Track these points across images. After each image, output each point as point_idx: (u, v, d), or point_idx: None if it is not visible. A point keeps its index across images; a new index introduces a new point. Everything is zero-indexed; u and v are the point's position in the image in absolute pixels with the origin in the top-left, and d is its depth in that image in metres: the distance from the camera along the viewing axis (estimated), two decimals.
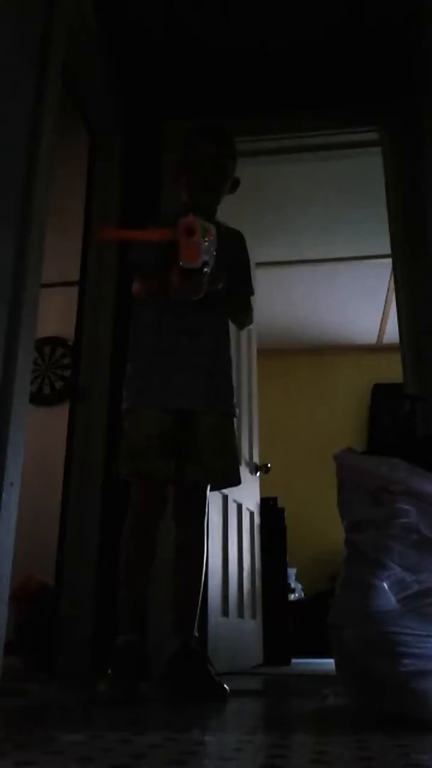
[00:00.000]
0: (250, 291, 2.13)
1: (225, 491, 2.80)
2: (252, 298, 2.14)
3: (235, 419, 1.97)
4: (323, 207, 4.27)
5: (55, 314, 3.49)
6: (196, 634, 1.87)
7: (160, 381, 1.86)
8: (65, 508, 2.73)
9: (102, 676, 1.65)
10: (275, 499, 4.03)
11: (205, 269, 1.71)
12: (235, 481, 1.95)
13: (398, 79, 3.07)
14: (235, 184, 2.02)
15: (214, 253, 1.71)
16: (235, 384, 2.02)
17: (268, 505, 3.87)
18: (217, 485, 2.01)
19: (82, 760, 0.92)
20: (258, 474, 3.60)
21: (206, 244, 1.69)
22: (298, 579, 5.12)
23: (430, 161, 2.78)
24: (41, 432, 3.03)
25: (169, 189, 2.76)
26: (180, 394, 1.85)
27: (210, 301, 1.90)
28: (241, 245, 2.09)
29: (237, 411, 2.00)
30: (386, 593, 1.33)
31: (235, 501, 3.18)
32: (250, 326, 2.28)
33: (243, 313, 2.09)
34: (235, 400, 1.99)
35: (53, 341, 3.65)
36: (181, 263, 1.69)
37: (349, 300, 5.50)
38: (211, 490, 1.97)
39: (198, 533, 1.92)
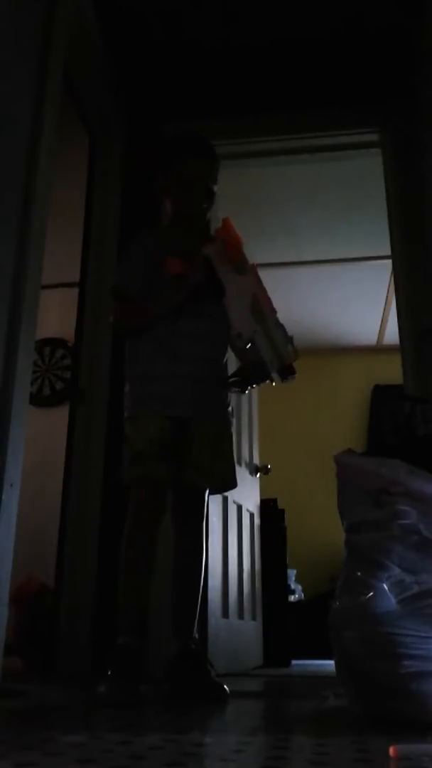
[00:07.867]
0: None
1: (225, 492, 2.80)
2: None
3: (233, 420, 1.99)
4: (323, 208, 4.27)
5: (55, 315, 3.49)
6: (196, 635, 1.87)
7: (159, 387, 1.87)
8: (65, 508, 2.73)
9: (102, 677, 1.65)
10: (275, 501, 4.03)
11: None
12: (232, 485, 1.97)
13: (398, 81, 3.07)
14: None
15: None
16: None
17: (268, 507, 3.87)
18: (215, 489, 2.02)
19: (82, 761, 0.92)
20: (258, 475, 3.60)
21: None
22: (298, 580, 5.11)
23: (430, 163, 2.78)
24: (41, 433, 3.03)
25: None
26: (179, 402, 1.86)
27: (210, 308, 1.90)
28: None
29: (233, 417, 2.02)
30: (386, 594, 1.32)
31: (235, 502, 3.18)
32: None
33: None
34: (231, 407, 2.01)
35: (53, 342, 3.64)
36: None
37: (349, 301, 5.50)
38: (209, 494, 1.99)
39: (196, 535, 1.93)
